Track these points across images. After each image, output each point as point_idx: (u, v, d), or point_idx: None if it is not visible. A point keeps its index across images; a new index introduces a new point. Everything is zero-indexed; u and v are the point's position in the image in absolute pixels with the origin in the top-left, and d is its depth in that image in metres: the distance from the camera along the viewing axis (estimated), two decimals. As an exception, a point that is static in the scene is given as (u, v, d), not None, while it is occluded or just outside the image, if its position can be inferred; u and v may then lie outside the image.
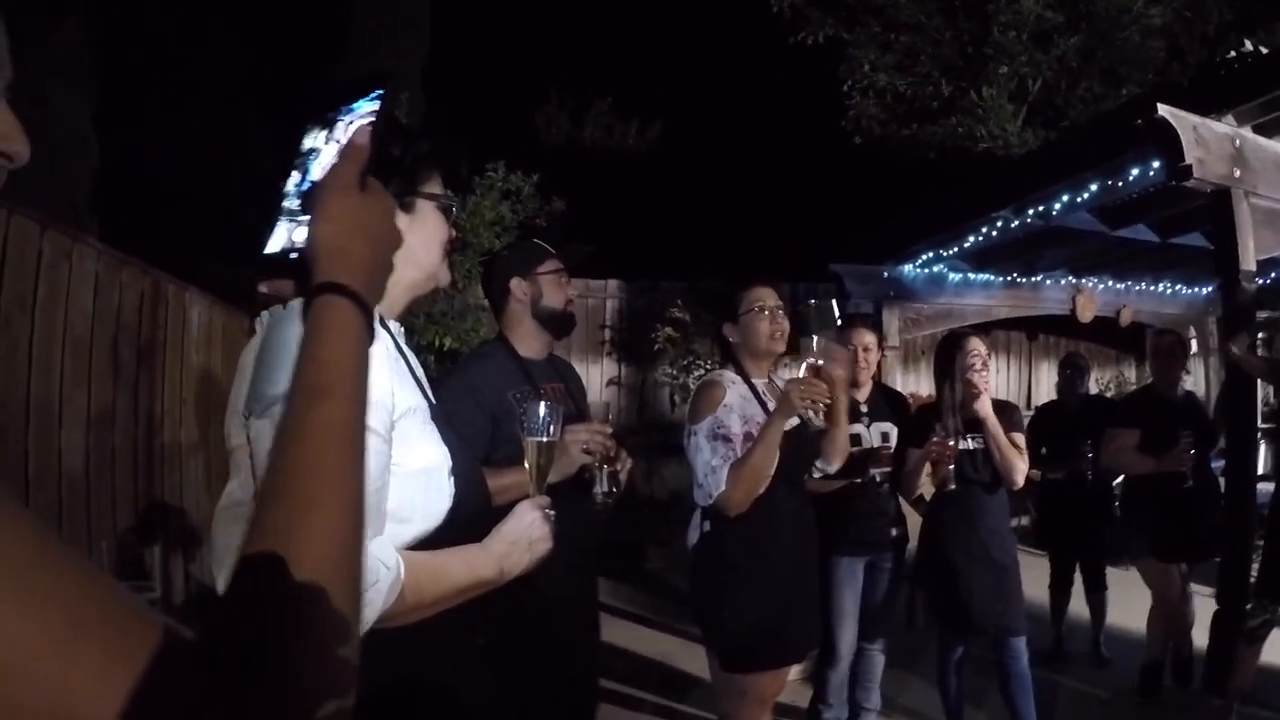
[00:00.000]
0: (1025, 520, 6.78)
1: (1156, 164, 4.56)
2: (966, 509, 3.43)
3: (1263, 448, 6.74)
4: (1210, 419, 4.67)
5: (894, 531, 3.71)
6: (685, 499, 2.94)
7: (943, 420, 3.45)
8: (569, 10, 13.44)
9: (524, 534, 1.44)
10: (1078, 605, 4.90)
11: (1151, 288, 9.05)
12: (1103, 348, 10.50)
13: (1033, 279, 8.54)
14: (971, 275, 8.32)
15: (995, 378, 7.54)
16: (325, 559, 0.63)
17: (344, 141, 0.86)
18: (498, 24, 13.40)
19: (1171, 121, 4.05)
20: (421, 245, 1.43)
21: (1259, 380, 4.34)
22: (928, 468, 3.45)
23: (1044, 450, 4.87)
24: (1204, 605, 4.26)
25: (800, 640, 2.88)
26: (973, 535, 3.41)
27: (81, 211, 7.50)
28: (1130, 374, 10.89)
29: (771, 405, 2.74)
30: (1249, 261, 4.25)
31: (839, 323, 3.19)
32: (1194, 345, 8.16)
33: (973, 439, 3.43)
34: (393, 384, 1.29)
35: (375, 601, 1.14)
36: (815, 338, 2.66)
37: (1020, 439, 3.46)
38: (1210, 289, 8.73)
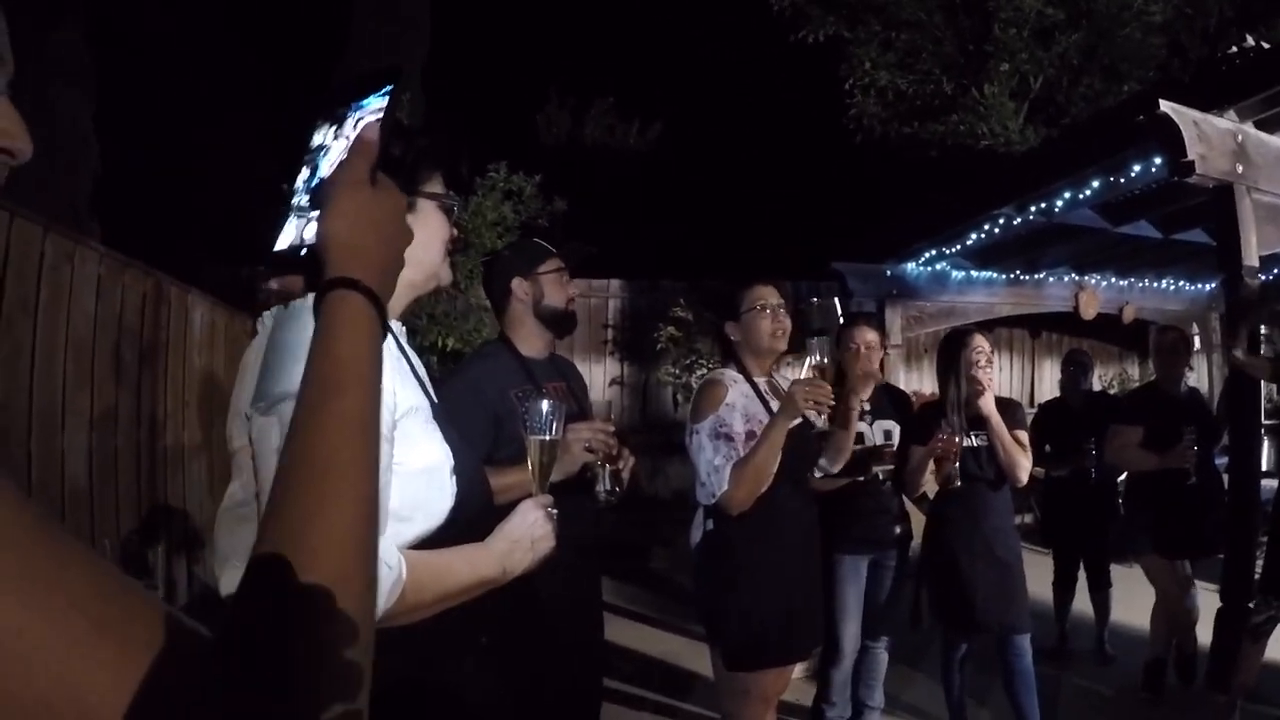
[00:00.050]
0: (1029, 518, 6.78)
1: (1158, 160, 4.55)
2: (970, 507, 3.43)
3: (1266, 444, 6.73)
4: (1213, 415, 4.66)
5: (897, 529, 3.71)
6: (689, 498, 2.94)
7: (947, 417, 3.45)
8: (569, 10, 13.44)
9: (526, 533, 1.44)
10: (1081, 602, 4.90)
11: (1154, 284, 9.04)
12: (1106, 345, 10.49)
13: (1035, 276, 8.53)
14: (974, 273, 8.31)
15: (998, 375, 7.51)
16: (340, 555, 0.62)
17: (353, 137, 0.86)
18: (498, 24, 13.41)
19: (1173, 117, 4.04)
20: (423, 245, 1.43)
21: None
22: (932, 465, 3.45)
23: (1047, 448, 4.87)
24: (1208, 602, 4.24)
25: (804, 639, 2.87)
26: (976, 533, 3.41)
27: (83, 213, 7.50)
28: (1133, 371, 10.87)
29: (773, 404, 2.74)
30: (1251, 257, 4.23)
31: (841, 321, 3.19)
32: (1197, 342, 8.13)
33: (976, 436, 3.43)
34: (394, 383, 1.29)
35: (377, 601, 1.14)
36: (820, 339, 2.66)
37: (1024, 436, 3.46)
38: (1213, 285, 8.70)
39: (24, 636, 0.47)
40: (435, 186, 1.49)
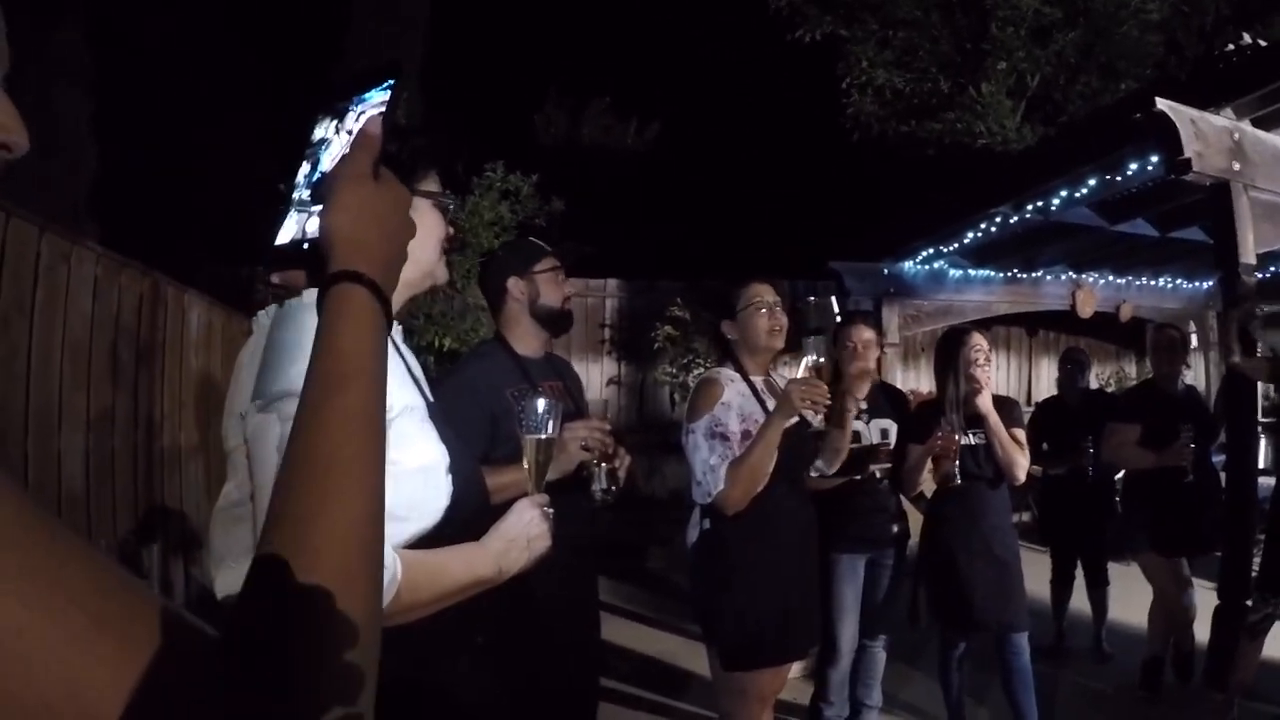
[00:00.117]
0: (1026, 516, 6.79)
1: (1155, 158, 4.55)
2: (968, 505, 3.43)
3: (1263, 442, 6.74)
4: (1211, 413, 4.67)
5: (894, 528, 3.71)
6: (685, 498, 2.94)
7: (945, 415, 3.45)
8: (567, 10, 13.44)
9: (522, 532, 1.44)
10: (1079, 601, 4.90)
11: (1151, 282, 9.05)
12: (1103, 343, 10.50)
13: (1032, 275, 8.54)
14: (971, 271, 8.32)
15: (995, 374, 7.54)
16: (343, 554, 0.62)
17: (356, 131, 0.85)
18: (496, 24, 13.40)
19: (1170, 115, 4.05)
20: (419, 243, 1.41)
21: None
22: (929, 464, 3.45)
23: (1045, 446, 4.87)
24: (1205, 600, 4.25)
25: (801, 638, 2.87)
26: (974, 531, 3.41)
27: (80, 213, 7.50)
28: (1130, 369, 10.88)
29: (770, 403, 2.73)
30: (1249, 255, 4.24)
31: (838, 320, 3.18)
32: (1194, 340, 8.14)
33: (974, 434, 3.43)
34: (390, 382, 1.29)
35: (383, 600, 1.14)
36: (817, 338, 2.66)
37: (1021, 435, 3.47)
38: (1210, 283, 8.72)
39: (24, 636, 0.47)
40: (430, 184, 1.49)
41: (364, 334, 0.74)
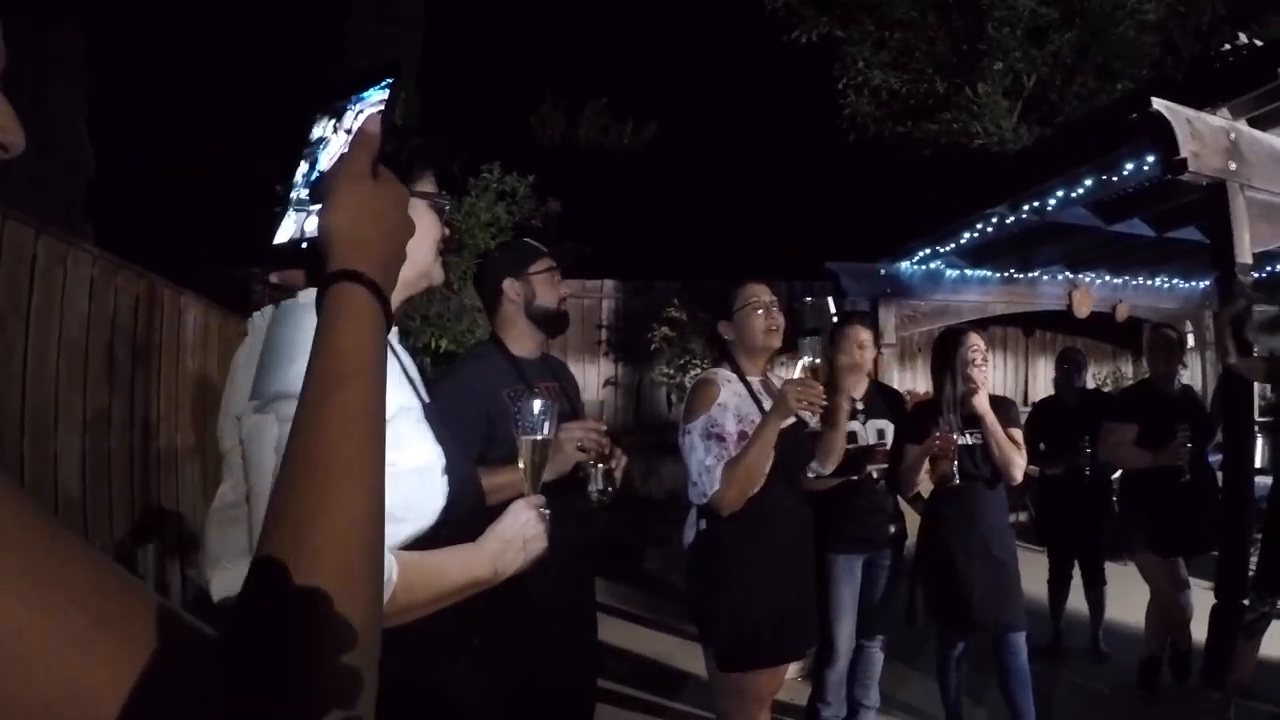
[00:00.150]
0: (1023, 516, 6.79)
1: (1152, 158, 4.56)
2: (965, 505, 3.43)
3: (1260, 442, 6.74)
4: (1207, 413, 4.67)
5: (892, 529, 3.70)
6: (682, 498, 2.94)
7: (943, 416, 3.45)
8: (564, 10, 13.44)
9: (518, 533, 1.43)
10: (1076, 600, 4.91)
11: (1148, 282, 9.06)
12: (1099, 343, 10.50)
13: (1029, 275, 8.55)
14: (968, 272, 8.33)
15: (992, 374, 7.53)
16: (343, 555, 0.61)
17: (354, 130, 0.85)
18: (493, 24, 13.40)
19: (1166, 115, 4.05)
20: (415, 244, 1.42)
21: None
22: (926, 464, 3.45)
23: (1042, 446, 4.88)
24: (1202, 599, 4.26)
25: (798, 638, 2.87)
26: (972, 531, 3.41)
27: (77, 215, 7.48)
28: (1127, 369, 10.89)
29: (766, 403, 2.73)
30: (1245, 255, 4.25)
31: (835, 320, 3.18)
32: (1191, 339, 8.16)
33: (971, 435, 3.43)
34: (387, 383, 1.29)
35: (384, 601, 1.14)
36: (813, 338, 2.66)
37: (1018, 434, 3.47)
38: (1207, 283, 8.73)
39: (24, 636, 0.47)
40: (427, 186, 1.49)
41: (364, 333, 0.73)
